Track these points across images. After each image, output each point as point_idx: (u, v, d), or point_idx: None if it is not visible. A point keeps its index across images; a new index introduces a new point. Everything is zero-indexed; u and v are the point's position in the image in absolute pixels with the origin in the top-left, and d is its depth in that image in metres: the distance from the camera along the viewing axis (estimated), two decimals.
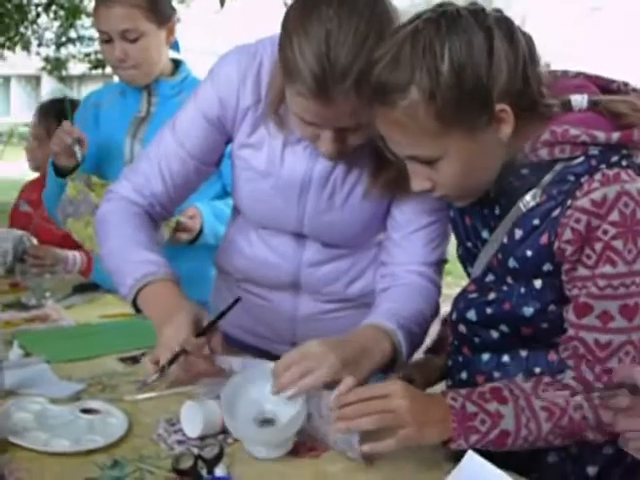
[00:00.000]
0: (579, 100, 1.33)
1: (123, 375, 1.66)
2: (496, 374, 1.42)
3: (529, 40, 1.30)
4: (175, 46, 2.45)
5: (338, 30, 1.35)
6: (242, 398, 1.40)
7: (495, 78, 1.24)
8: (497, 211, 1.40)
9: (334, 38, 1.35)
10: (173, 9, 2.41)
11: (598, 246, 1.25)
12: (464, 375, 1.48)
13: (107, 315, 2.12)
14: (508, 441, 1.29)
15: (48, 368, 1.67)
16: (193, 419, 1.41)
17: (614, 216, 1.24)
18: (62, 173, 2.38)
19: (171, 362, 1.43)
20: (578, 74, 1.43)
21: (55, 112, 2.83)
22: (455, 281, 1.61)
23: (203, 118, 1.67)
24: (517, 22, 1.30)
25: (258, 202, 1.71)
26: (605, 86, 1.40)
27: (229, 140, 1.71)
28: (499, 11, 1.29)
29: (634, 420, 1.11)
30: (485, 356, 1.46)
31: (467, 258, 1.51)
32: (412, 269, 1.65)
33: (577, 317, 1.30)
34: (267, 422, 1.39)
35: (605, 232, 1.24)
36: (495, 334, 1.42)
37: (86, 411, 1.44)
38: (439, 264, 1.68)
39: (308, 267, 1.73)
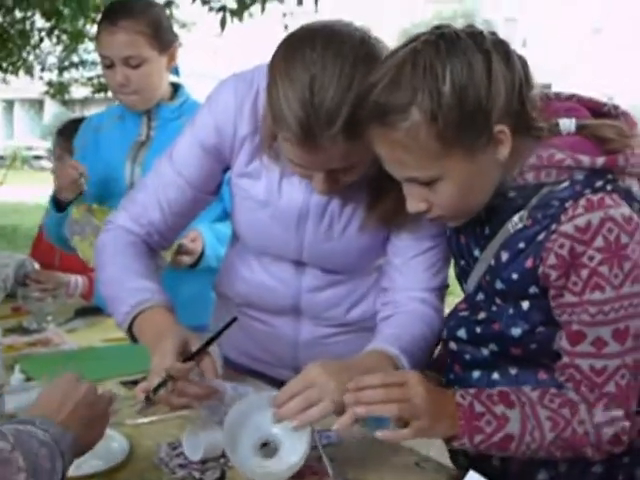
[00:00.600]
0: (567, 124, 1.34)
1: (125, 399, 1.66)
2: (481, 388, 1.41)
3: (524, 63, 1.31)
4: (175, 70, 2.46)
5: (322, 75, 1.33)
6: (245, 428, 1.38)
7: (494, 99, 1.25)
8: (487, 231, 1.41)
9: (318, 83, 1.32)
10: (175, 35, 2.43)
11: (584, 273, 1.26)
12: None
13: (109, 339, 2.12)
14: (512, 446, 1.30)
15: None
16: (194, 442, 1.41)
17: (598, 242, 1.24)
18: (62, 206, 2.41)
19: (156, 389, 1.39)
20: (571, 96, 1.44)
21: (75, 132, 2.84)
22: (455, 301, 1.61)
23: (200, 147, 1.66)
24: (518, 45, 1.32)
25: (257, 231, 1.70)
26: (596, 109, 1.41)
27: (227, 168, 1.70)
28: (494, 34, 1.30)
29: None
30: (476, 373, 1.46)
31: (462, 276, 1.52)
32: (414, 296, 1.63)
33: (571, 345, 1.31)
34: (269, 450, 1.38)
35: (591, 258, 1.25)
36: (485, 352, 1.43)
37: None
38: (441, 290, 1.66)
39: (308, 292, 1.72)
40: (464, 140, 1.26)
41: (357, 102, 1.31)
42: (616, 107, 1.41)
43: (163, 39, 2.34)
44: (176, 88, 2.47)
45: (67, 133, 3.00)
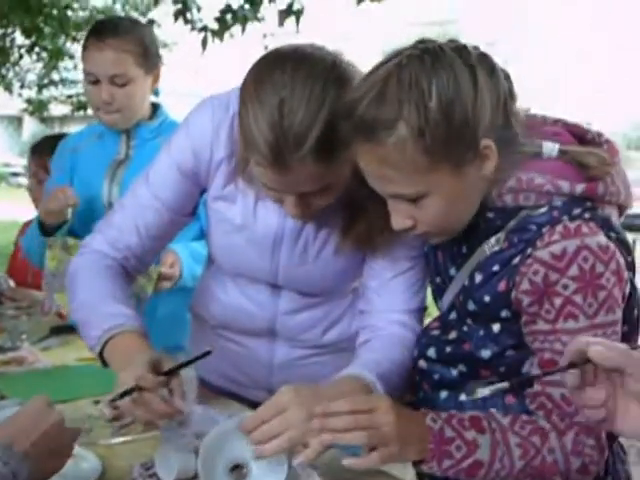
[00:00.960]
0: (550, 147, 1.34)
1: (98, 419, 1.64)
2: (453, 412, 1.40)
3: (507, 76, 1.31)
4: (154, 91, 2.47)
5: (291, 97, 1.33)
6: (221, 451, 1.35)
7: (480, 114, 1.24)
8: (464, 250, 1.41)
9: (287, 106, 1.32)
10: (160, 56, 2.44)
11: (558, 301, 1.26)
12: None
13: (83, 358, 2.10)
14: (480, 472, 1.28)
15: None
16: (167, 463, 1.40)
17: (573, 271, 1.24)
18: (46, 231, 2.40)
19: (123, 394, 1.38)
20: (557, 121, 1.44)
21: (50, 149, 2.83)
22: None
23: (177, 170, 1.65)
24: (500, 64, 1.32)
25: (232, 254, 1.69)
26: (581, 135, 1.41)
27: (204, 190, 1.69)
28: (477, 48, 1.30)
29: (588, 393, 1.09)
30: (443, 394, 1.46)
31: (437, 293, 1.52)
32: (393, 318, 1.61)
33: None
34: (240, 474, 1.35)
35: (565, 287, 1.25)
36: (454, 372, 1.42)
37: None
38: (420, 311, 1.65)
39: (284, 315, 1.71)
40: (451, 155, 1.26)
41: (342, 116, 1.30)
42: (600, 134, 1.42)
43: (150, 59, 2.35)
44: (155, 108, 2.47)
45: (42, 150, 2.99)
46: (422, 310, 1.66)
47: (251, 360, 1.77)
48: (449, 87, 1.23)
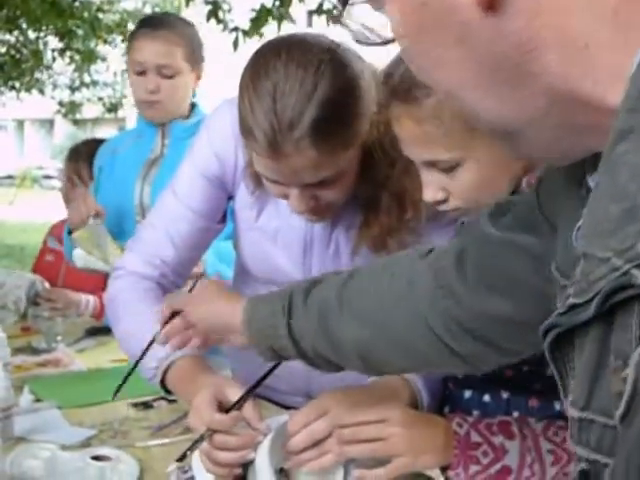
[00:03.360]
0: None
1: (135, 421, 1.65)
2: (475, 412, 1.39)
3: None
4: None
5: (284, 81, 1.30)
6: (272, 454, 1.29)
7: None
8: None
9: (280, 90, 1.30)
10: (203, 56, 2.45)
11: None
12: (447, 409, 1.46)
13: (119, 359, 2.10)
14: (509, 478, 1.25)
15: (59, 414, 1.65)
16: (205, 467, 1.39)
17: None
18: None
19: (192, 447, 1.29)
20: None
21: (86, 154, 2.84)
22: None
23: (203, 177, 1.62)
24: None
25: (264, 262, 1.65)
26: None
27: (231, 197, 1.66)
28: None
29: None
30: (467, 393, 1.43)
31: None
32: None
33: None
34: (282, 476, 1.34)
35: None
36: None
37: (97, 458, 1.42)
38: None
39: None
40: None
41: (381, 82, 1.28)
42: None
43: (196, 54, 2.39)
44: (192, 107, 2.48)
45: (77, 155, 2.99)
46: None
47: (288, 366, 1.73)
48: None
